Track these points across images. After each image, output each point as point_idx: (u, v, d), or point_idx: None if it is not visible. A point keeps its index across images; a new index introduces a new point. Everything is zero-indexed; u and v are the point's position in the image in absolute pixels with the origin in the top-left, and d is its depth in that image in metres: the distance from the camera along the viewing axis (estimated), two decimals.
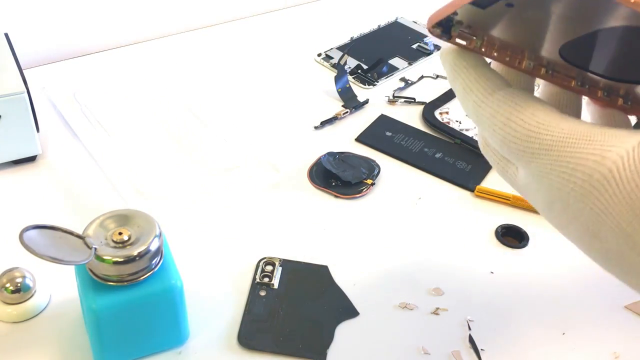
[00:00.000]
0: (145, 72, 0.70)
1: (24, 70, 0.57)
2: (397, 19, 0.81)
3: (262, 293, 0.47)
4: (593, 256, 0.25)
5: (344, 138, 0.63)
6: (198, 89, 0.68)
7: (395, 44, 0.77)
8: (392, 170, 0.59)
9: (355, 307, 0.47)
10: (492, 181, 0.58)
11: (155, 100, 0.66)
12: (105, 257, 0.38)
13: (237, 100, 0.67)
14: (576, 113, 0.30)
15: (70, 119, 0.62)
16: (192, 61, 0.73)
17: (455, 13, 0.27)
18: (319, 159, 0.59)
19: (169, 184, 0.57)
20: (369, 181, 0.57)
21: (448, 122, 0.64)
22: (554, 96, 0.30)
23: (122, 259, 0.38)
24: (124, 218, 0.40)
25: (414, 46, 0.77)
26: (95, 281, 0.39)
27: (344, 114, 0.65)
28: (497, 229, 0.54)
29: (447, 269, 0.51)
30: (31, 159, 0.58)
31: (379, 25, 0.80)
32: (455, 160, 0.60)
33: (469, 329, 0.46)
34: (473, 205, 0.56)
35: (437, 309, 0.47)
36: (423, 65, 0.74)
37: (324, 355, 0.44)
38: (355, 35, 0.78)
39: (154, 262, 0.39)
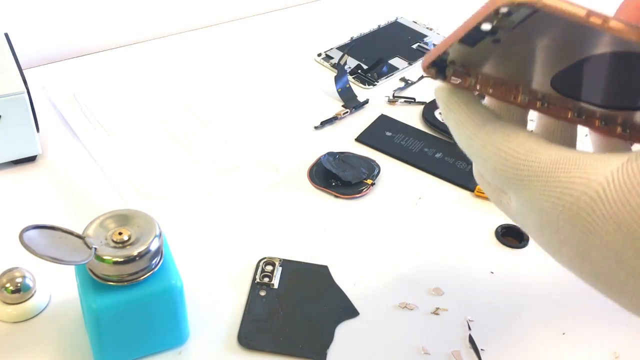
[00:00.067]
0: (145, 72, 0.70)
1: (24, 70, 0.57)
2: (397, 19, 0.81)
3: (262, 293, 0.47)
4: (585, 279, 0.26)
5: (344, 138, 0.63)
6: (198, 89, 0.68)
7: (395, 44, 0.77)
8: (392, 170, 0.59)
9: (355, 307, 0.47)
10: None
11: (155, 100, 0.66)
12: (105, 257, 0.38)
13: (237, 100, 0.67)
14: (570, 143, 0.31)
15: (70, 119, 0.62)
16: (192, 61, 0.73)
17: (446, 53, 0.28)
18: (319, 159, 0.59)
19: (169, 184, 0.57)
20: (369, 181, 0.57)
21: None
22: (549, 127, 0.31)
23: (122, 259, 0.38)
24: (124, 218, 0.40)
25: (414, 46, 0.77)
26: (95, 281, 0.39)
27: (344, 114, 0.65)
28: (497, 229, 0.54)
29: (447, 269, 0.51)
30: (31, 159, 0.58)
31: (379, 25, 0.80)
32: (455, 160, 0.60)
33: (469, 329, 0.46)
34: (473, 205, 0.56)
35: (437, 309, 0.47)
36: None
37: (324, 355, 0.44)
38: (355, 35, 0.78)
39: (154, 262, 0.39)
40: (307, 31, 0.79)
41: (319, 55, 0.74)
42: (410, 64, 0.73)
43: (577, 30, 0.24)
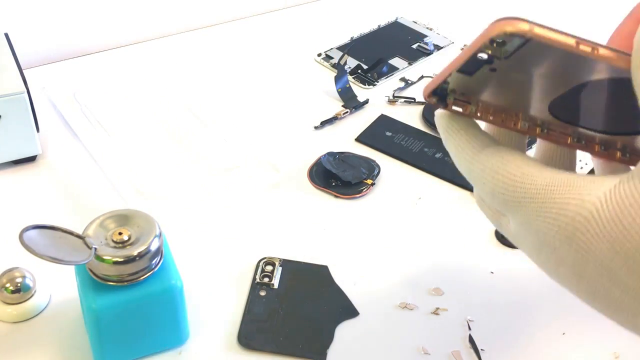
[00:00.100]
0: (145, 72, 0.70)
1: (24, 70, 0.57)
2: (397, 19, 0.81)
3: (262, 293, 0.47)
4: (582, 297, 0.27)
5: (344, 138, 0.63)
6: (198, 89, 0.68)
7: (395, 44, 0.77)
8: (392, 170, 0.59)
9: (355, 307, 0.47)
10: None
11: (155, 100, 0.66)
12: (105, 257, 0.38)
13: (237, 100, 0.67)
14: (570, 167, 0.32)
15: (70, 119, 0.62)
16: (192, 61, 0.73)
17: (446, 82, 0.29)
18: (319, 159, 0.59)
19: (169, 184, 0.57)
20: (369, 181, 0.57)
21: None
22: (549, 152, 0.32)
23: (122, 259, 0.38)
24: (124, 218, 0.40)
25: (414, 46, 0.77)
26: (95, 281, 0.39)
27: (344, 114, 0.65)
28: (497, 229, 0.54)
29: (447, 269, 0.51)
30: (31, 159, 0.58)
31: (379, 25, 0.80)
32: None
33: (469, 329, 0.46)
34: (473, 205, 0.56)
35: (437, 309, 0.47)
36: (423, 65, 0.74)
37: (324, 355, 0.44)
38: (355, 35, 0.78)
39: (154, 262, 0.39)
40: (307, 31, 0.79)
41: (319, 55, 0.74)
42: (410, 64, 0.73)
43: (570, 58, 0.24)
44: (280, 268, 0.49)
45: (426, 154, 0.61)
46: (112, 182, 0.56)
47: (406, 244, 0.53)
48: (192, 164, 0.59)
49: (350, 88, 0.67)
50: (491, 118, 0.30)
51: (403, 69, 0.73)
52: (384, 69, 0.71)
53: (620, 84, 0.25)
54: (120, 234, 0.39)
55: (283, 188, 0.57)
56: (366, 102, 0.67)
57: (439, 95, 0.30)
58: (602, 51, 0.24)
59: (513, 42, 0.24)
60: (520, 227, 0.28)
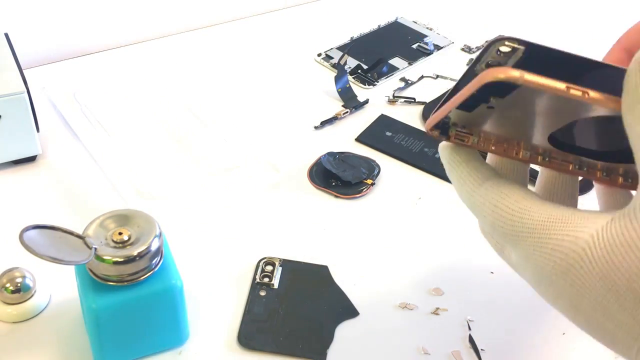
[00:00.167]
0: (145, 72, 0.70)
1: (24, 70, 0.57)
2: (397, 19, 0.81)
3: (262, 293, 0.47)
4: (580, 327, 0.28)
5: (344, 138, 0.63)
6: (198, 89, 0.68)
7: (395, 44, 0.77)
8: (392, 170, 0.59)
9: (355, 307, 0.47)
10: None
11: (155, 100, 0.66)
12: (105, 257, 0.38)
13: (237, 100, 0.67)
14: (572, 193, 0.33)
15: (70, 119, 0.62)
16: (192, 61, 0.73)
17: (447, 117, 0.30)
18: (319, 159, 0.59)
19: (169, 184, 0.57)
20: (369, 181, 0.57)
21: None
22: (551, 179, 0.33)
23: (122, 259, 0.38)
24: (124, 218, 0.40)
25: (414, 46, 0.77)
26: (95, 281, 0.39)
27: (344, 114, 0.65)
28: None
29: (447, 269, 0.51)
30: (31, 159, 0.58)
31: (379, 25, 0.80)
32: None
33: (469, 329, 0.46)
34: None
35: (437, 309, 0.47)
36: (423, 65, 0.74)
37: (324, 355, 0.44)
38: (355, 35, 0.78)
39: (154, 262, 0.39)
40: (307, 31, 0.79)
41: (319, 55, 0.74)
42: (410, 64, 0.73)
43: (563, 98, 0.25)
44: (280, 268, 0.49)
45: (426, 154, 0.61)
46: (112, 182, 0.56)
47: (406, 244, 0.53)
48: (192, 164, 0.59)
49: (350, 88, 0.67)
50: (493, 148, 0.31)
51: (403, 69, 0.73)
52: (384, 69, 0.71)
53: (614, 120, 0.25)
54: (120, 234, 0.39)
55: (283, 188, 0.57)
56: (366, 102, 0.67)
57: (441, 128, 0.31)
58: (592, 94, 0.25)
59: (506, 87, 0.25)
60: (520, 259, 0.29)
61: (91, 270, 0.39)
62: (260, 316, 0.46)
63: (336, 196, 0.56)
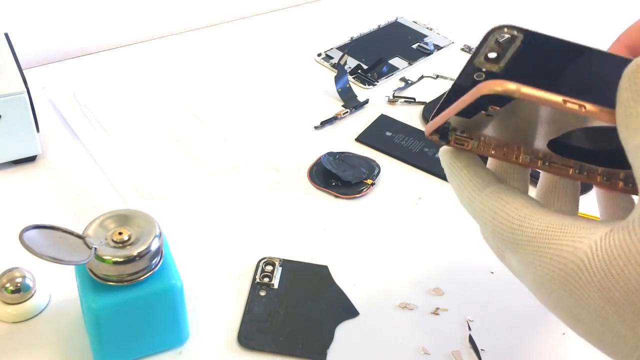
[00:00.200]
0: (145, 72, 0.70)
1: (24, 70, 0.57)
2: (397, 19, 0.81)
3: (262, 293, 0.47)
4: (579, 335, 0.28)
5: (344, 138, 0.63)
6: (198, 89, 0.68)
7: (395, 44, 0.77)
8: (392, 170, 0.59)
9: (355, 307, 0.47)
10: None
11: (155, 100, 0.66)
12: (105, 257, 0.38)
13: (237, 100, 0.67)
14: (573, 197, 0.33)
15: (70, 119, 0.62)
16: (192, 61, 0.73)
17: (447, 122, 0.30)
18: (319, 159, 0.59)
19: (169, 184, 0.57)
20: (369, 181, 0.57)
21: None
22: (552, 183, 0.33)
23: (122, 259, 0.38)
24: (124, 218, 0.40)
25: (414, 46, 0.77)
26: (95, 281, 0.39)
27: (344, 114, 0.65)
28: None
29: (447, 269, 0.51)
30: (31, 159, 0.58)
31: (379, 25, 0.80)
32: None
33: (469, 329, 0.46)
34: None
35: (437, 309, 0.47)
36: (423, 65, 0.74)
37: (324, 355, 0.44)
38: (355, 35, 0.78)
39: (154, 262, 0.39)
40: (307, 31, 0.79)
41: (319, 55, 0.74)
42: (410, 64, 0.73)
43: (559, 111, 0.25)
44: (280, 268, 0.49)
45: (426, 154, 0.61)
46: (112, 182, 0.56)
47: (406, 244, 0.53)
48: (192, 164, 0.59)
49: (350, 88, 0.67)
50: (493, 152, 0.31)
51: (403, 69, 0.73)
52: (384, 69, 0.71)
53: (613, 128, 0.26)
54: (120, 234, 0.39)
55: (283, 188, 0.57)
56: (366, 102, 0.67)
57: (441, 132, 0.31)
58: (588, 107, 0.25)
59: (503, 98, 0.25)
60: (520, 266, 0.29)
61: (91, 270, 0.39)
62: (260, 316, 0.46)
63: (336, 196, 0.56)
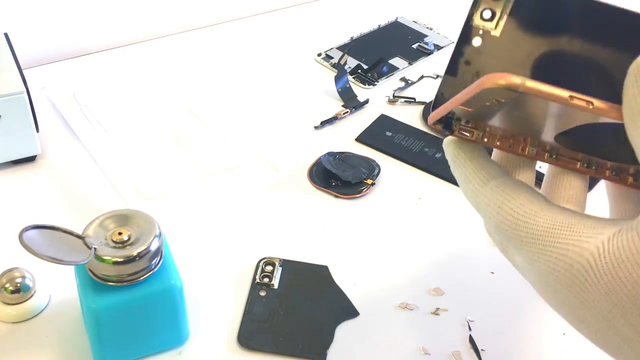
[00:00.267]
0: (145, 72, 0.70)
1: (23, 70, 0.57)
2: (397, 18, 0.81)
3: (262, 293, 0.47)
4: (585, 336, 0.27)
5: (344, 138, 0.63)
6: (198, 89, 0.68)
7: (395, 44, 0.77)
8: (392, 170, 0.59)
9: (355, 307, 0.47)
10: None
11: (155, 100, 0.66)
12: (105, 257, 0.38)
13: (237, 100, 0.67)
14: (580, 191, 0.31)
15: (70, 119, 0.62)
16: (192, 61, 0.73)
17: (451, 112, 0.29)
18: (319, 159, 0.59)
19: (169, 184, 0.57)
20: (369, 181, 0.57)
21: None
22: (559, 178, 0.32)
23: (122, 259, 0.38)
24: (124, 218, 0.40)
25: (414, 46, 0.77)
26: (95, 281, 0.39)
27: (344, 113, 0.65)
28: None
29: (447, 269, 0.51)
30: (31, 159, 0.58)
31: (379, 25, 0.80)
32: None
33: (469, 329, 0.46)
34: None
35: (437, 309, 0.47)
36: (423, 65, 0.74)
37: (324, 355, 0.44)
38: (355, 35, 0.78)
39: (153, 262, 0.39)
40: (307, 31, 0.79)
41: (319, 55, 0.74)
42: (410, 64, 0.73)
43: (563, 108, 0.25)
44: (280, 268, 0.49)
45: (426, 154, 0.61)
46: (112, 182, 0.56)
47: (406, 244, 0.53)
48: (192, 164, 0.59)
49: (350, 88, 0.67)
50: (498, 144, 0.30)
51: (403, 68, 0.73)
52: (384, 68, 0.71)
53: (621, 125, 0.25)
54: (120, 234, 0.39)
55: (283, 188, 0.57)
56: (366, 102, 0.67)
57: (445, 123, 0.30)
58: (596, 104, 0.24)
59: (506, 93, 0.25)
60: (524, 263, 0.28)
61: (91, 271, 0.39)
62: (260, 316, 0.46)
63: (336, 196, 0.56)
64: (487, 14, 0.25)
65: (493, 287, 0.49)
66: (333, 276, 0.49)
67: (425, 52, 0.75)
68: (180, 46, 0.75)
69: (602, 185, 0.33)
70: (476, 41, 0.26)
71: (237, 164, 0.59)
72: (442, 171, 0.59)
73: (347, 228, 0.54)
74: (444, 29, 0.80)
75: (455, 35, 0.78)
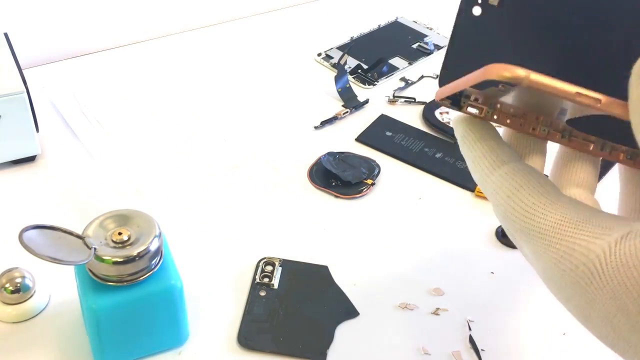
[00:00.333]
0: (145, 72, 0.70)
1: (23, 70, 0.57)
2: (397, 18, 0.81)
3: (262, 293, 0.47)
4: (590, 332, 0.27)
5: (344, 138, 0.63)
6: (198, 89, 0.68)
7: (395, 44, 0.77)
8: (392, 170, 0.59)
9: (355, 307, 0.47)
10: None
11: (154, 100, 0.66)
12: (105, 257, 0.38)
13: (237, 100, 0.67)
14: (593, 171, 0.30)
15: (70, 118, 0.62)
16: (192, 61, 0.73)
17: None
18: (319, 159, 0.59)
19: (169, 184, 0.57)
20: (369, 181, 0.57)
21: (448, 122, 0.64)
22: (570, 160, 0.30)
23: (121, 259, 0.38)
24: (123, 218, 0.40)
25: (414, 46, 0.77)
26: (95, 281, 0.39)
27: (344, 113, 0.65)
28: (497, 229, 0.54)
29: (447, 269, 0.51)
30: (31, 159, 0.58)
31: (379, 25, 0.80)
32: (455, 160, 0.60)
33: (469, 329, 0.46)
34: (473, 205, 0.56)
35: (437, 309, 0.47)
36: (423, 65, 0.74)
37: (324, 355, 0.44)
38: (355, 35, 0.78)
39: (153, 262, 0.39)
40: (307, 31, 0.79)
41: (319, 55, 0.74)
42: (410, 63, 0.73)
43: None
44: (280, 268, 0.49)
45: (426, 154, 0.61)
46: (112, 182, 0.56)
47: (406, 244, 0.53)
48: (192, 164, 0.59)
49: (350, 88, 0.67)
50: (509, 122, 0.29)
51: (403, 68, 0.73)
52: (384, 68, 0.71)
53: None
54: (120, 234, 0.39)
55: (283, 188, 0.57)
56: (366, 102, 0.67)
57: (452, 99, 0.29)
58: (604, 101, 0.23)
59: (510, 84, 0.24)
60: (531, 254, 0.28)
61: (91, 271, 0.39)
62: (260, 316, 0.46)
63: (336, 196, 0.56)
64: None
65: (493, 287, 0.49)
66: (333, 276, 0.49)
67: (425, 52, 0.75)
68: (180, 46, 0.75)
69: (609, 179, 0.32)
70: (476, 10, 0.26)
71: (237, 164, 0.59)
72: (442, 171, 0.59)
73: (347, 228, 0.54)
74: (444, 29, 0.80)
75: None
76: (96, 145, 0.60)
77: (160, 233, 0.40)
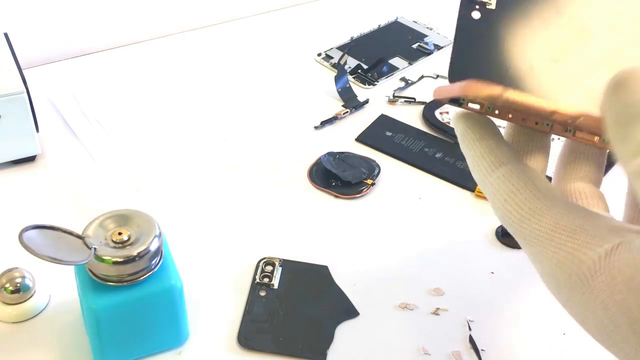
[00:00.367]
0: (145, 72, 0.70)
1: (23, 70, 0.57)
2: (397, 18, 0.81)
3: (262, 293, 0.47)
4: (588, 333, 0.27)
5: (344, 138, 0.63)
6: (198, 89, 0.68)
7: (395, 44, 0.77)
8: (392, 170, 0.59)
9: (355, 307, 0.47)
10: None
11: (154, 100, 0.66)
12: (105, 257, 0.38)
13: (237, 100, 0.67)
14: (599, 165, 0.30)
15: (70, 118, 0.62)
16: (192, 61, 0.73)
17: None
18: (319, 159, 0.59)
19: (169, 184, 0.57)
20: (369, 181, 0.57)
21: (448, 122, 0.64)
22: (574, 153, 0.30)
23: (121, 259, 0.38)
24: (123, 218, 0.40)
25: (414, 46, 0.76)
26: (95, 281, 0.39)
27: (344, 113, 0.65)
28: (497, 229, 0.54)
29: (447, 269, 0.51)
30: (31, 159, 0.58)
31: (379, 25, 0.80)
32: (455, 160, 0.60)
33: (470, 329, 0.46)
34: (473, 205, 0.56)
35: (437, 309, 0.47)
36: (423, 65, 0.74)
37: (324, 355, 0.44)
38: (355, 35, 0.78)
39: (153, 262, 0.39)
40: (307, 31, 0.79)
41: (319, 55, 0.74)
42: (410, 63, 0.73)
43: None
44: (280, 268, 0.49)
45: (426, 154, 0.61)
46: (112, 182, 0.56)
47: (406, 244, 0.53)
48: (192, 164, 0.59)
49: (350, 88, 0.67)
50: (510, 116, 0.29)
51: (403, 68, 0.73)
52: (384, 68, 0.71)
53: None
54: (120, 234, 0.39)
55: (283, 188, 0.57)
56: (366, 102, 0.67)
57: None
58: (581, 120, 0.23)
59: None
60: (529, 256, 0.28)
61: (91, 271, 0.39)
62: (260, 316, 0.46)
63: (336, 196, 0.56)
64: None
65: (493, 287, 0.49)
66: (333, 276, 0.49)
67: (425, 52, 0.75)
68: (180, 46, 0.75)
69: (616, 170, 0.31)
70: (475, 14, 0.26)
71: (237, 164, 0.59)
72: (442, 171, 0.59)
73: (347, 228, 0.54)
74: (444, 29, 0.80)
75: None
76: (96, 145, 0.60)
77: (160, 233, 0.40)
